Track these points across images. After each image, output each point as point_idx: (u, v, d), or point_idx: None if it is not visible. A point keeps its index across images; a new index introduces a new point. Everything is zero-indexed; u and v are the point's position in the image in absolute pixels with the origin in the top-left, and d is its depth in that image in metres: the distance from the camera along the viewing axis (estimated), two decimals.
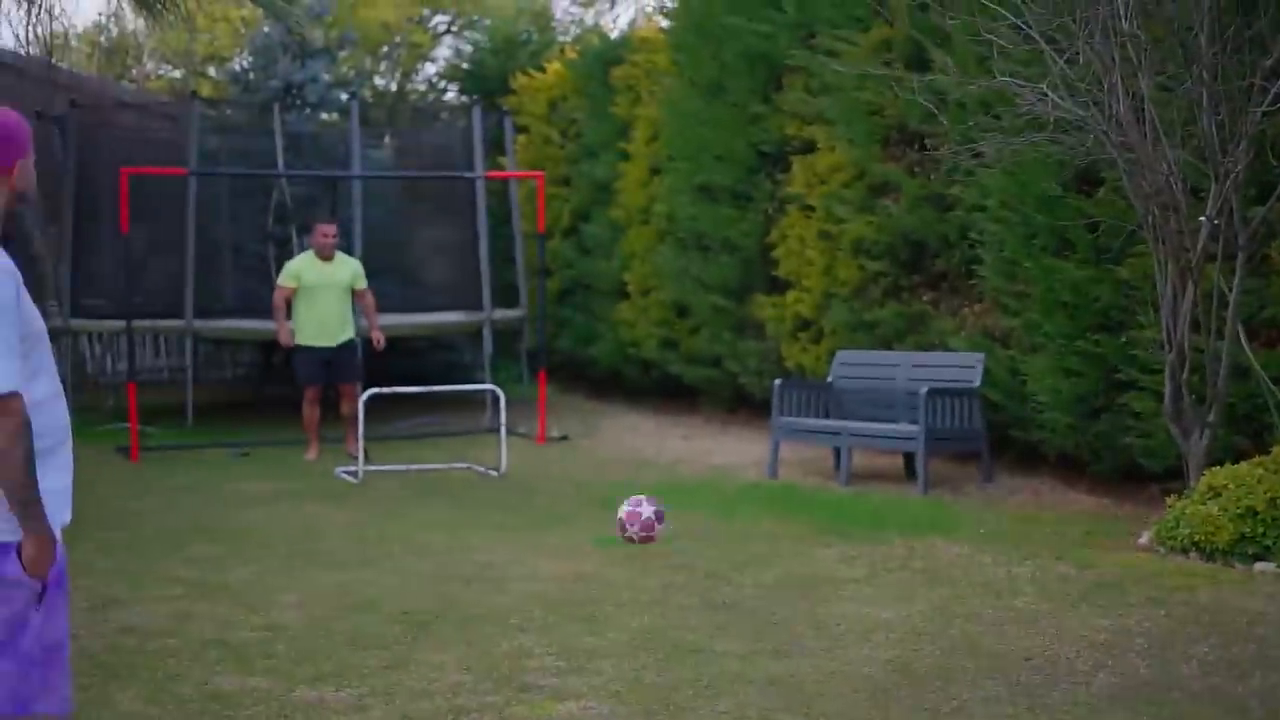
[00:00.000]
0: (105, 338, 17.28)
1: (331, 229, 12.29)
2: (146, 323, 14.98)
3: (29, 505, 3.41)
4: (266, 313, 13.02)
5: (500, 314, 15.92)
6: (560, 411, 15.07)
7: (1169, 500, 8.17)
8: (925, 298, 11.54)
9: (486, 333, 15.51)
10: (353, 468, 11.28)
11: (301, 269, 12.22)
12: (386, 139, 18.21)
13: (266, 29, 17.65)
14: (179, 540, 8.53)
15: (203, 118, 15.86)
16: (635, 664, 5.81)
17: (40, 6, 11.43)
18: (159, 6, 12.13)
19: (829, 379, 11.53)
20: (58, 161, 15.44)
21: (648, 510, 8.87)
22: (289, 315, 12.30)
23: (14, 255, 3.55)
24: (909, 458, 10.76)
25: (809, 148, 12.65)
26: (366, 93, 22.07)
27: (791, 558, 7.90)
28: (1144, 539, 8.11)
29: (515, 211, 16.93)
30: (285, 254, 14.49)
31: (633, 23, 27.00)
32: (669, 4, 15.30)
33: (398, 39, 27.21)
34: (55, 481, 3.53)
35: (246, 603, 6.90)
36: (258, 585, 7.31)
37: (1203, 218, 8.26)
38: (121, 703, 5.35)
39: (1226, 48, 8.11)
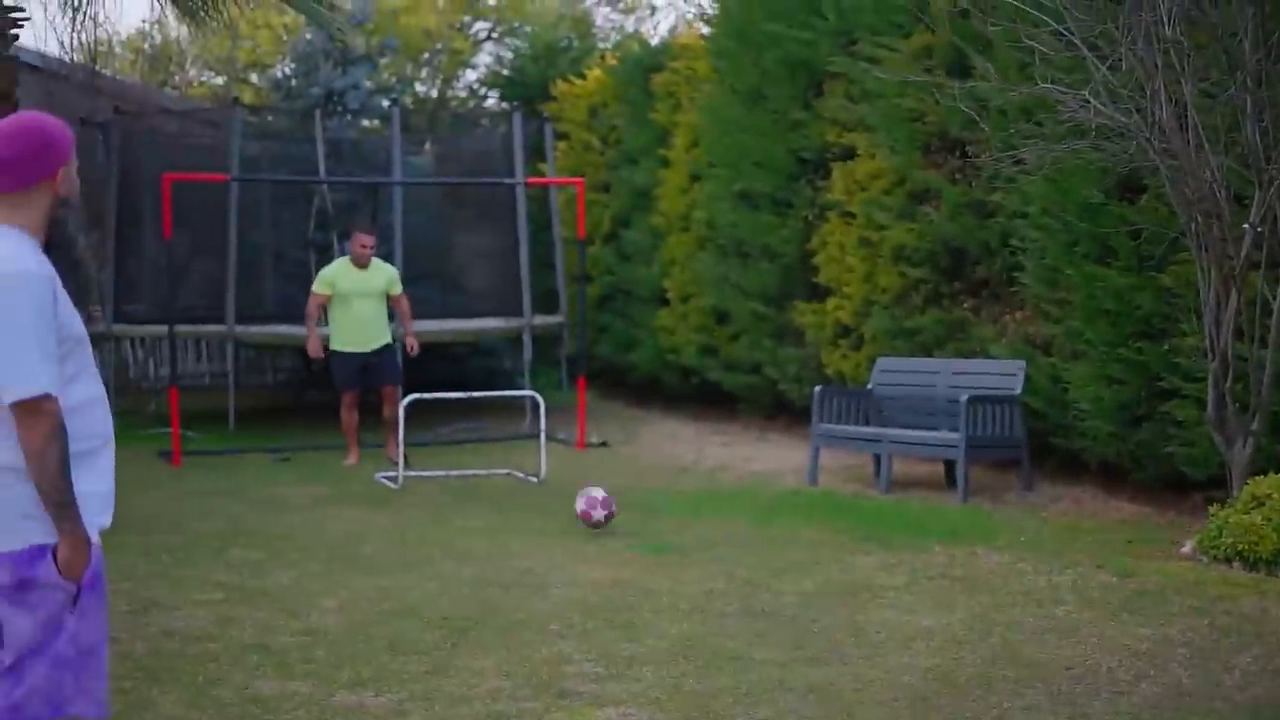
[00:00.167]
0: (147, 342, 17.43)
1: (370, 240, 12.11)
2: (188, 328, 15.11)
3: (64, 508, 3.42)
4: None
5: (540, 320, 15.95)
6: (600, 418, 15.08)
7: (1211, 509, 8.09)
8: (966, 305, 11.50)
9: (526, 339, 15.52)
10: (393, 473, 11.31)
11: (336, 275, 12.21)
12: (427, 145, 18.28)
13: (308, 36, 17.73)
14: (220, 544, 8.57)
15: (245, 124, 15.98)
16: (674, 671, 5.81)
17: (85, 14, 11.51)
18: (202, 14, 12.20)
19: (869, 386, 11.49)
20: (101, 168, 15.59)
21: (596, 491, 8.93)
22: (325, 321, 12.33)
23: (57, 261, 3.58)
24: (949, 465, 10.72)
25: (849, 154, 12.63)
26: (407, 99, 22.15)
27: (831, 565, 7.87)
28: (1186, 548, 8.04)
29: (555, 218, 16.94)
30: (326, 260, 14.53)
31: (673, 29, 27.07)
32: (709, 10, 15.30)
33: (439, 46, 27.36)
34: (94, 485, 3.54)
35: (287, 607, 6.93)
36: (298, 590, 7.33)
37: (1246, 225, 8.19)
38: (162, 706, 5.38)
39: (1270, 54, 8.05)
